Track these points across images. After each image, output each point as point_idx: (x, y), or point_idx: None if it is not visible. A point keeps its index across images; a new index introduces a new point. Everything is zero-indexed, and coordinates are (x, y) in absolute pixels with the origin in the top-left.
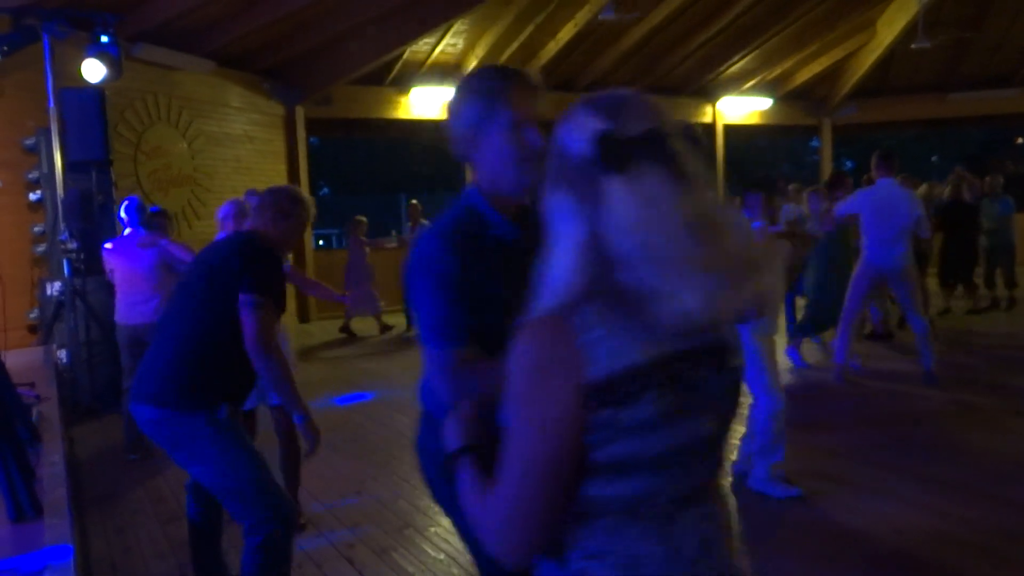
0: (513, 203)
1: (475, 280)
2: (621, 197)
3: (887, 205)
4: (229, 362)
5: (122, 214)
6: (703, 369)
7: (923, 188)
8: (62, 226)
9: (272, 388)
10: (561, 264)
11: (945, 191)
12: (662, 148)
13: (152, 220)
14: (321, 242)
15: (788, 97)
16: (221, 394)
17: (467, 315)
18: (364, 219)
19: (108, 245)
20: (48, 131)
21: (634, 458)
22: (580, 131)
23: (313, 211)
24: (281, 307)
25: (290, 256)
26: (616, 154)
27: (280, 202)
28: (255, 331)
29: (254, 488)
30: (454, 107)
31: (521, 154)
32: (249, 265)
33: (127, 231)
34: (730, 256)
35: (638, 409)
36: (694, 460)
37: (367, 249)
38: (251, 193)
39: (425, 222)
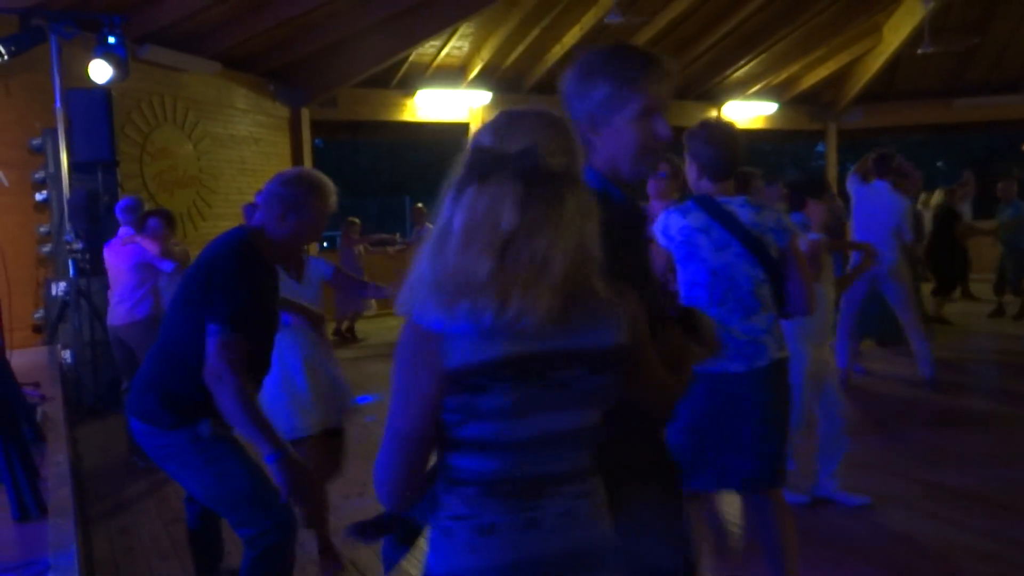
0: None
1: (622, 255)
2: (465, 204)
3: (877, 207)
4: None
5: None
6: (574, 369)
7: (936, 194)
8: (68, 226)
9: (230, 422)
10: (422, 261)
11: (939, 197)
12: (524, 169)
13: (146, 220)
14: (325, 243)
15: (794, 101)
16: (202, 410)
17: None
18: (357, 220)
19: (104, 245)
20: (54, 131)
21: (491, 439)
22: (474, 141)
23: (334, 199)
24: (261, 339)
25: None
26: (481, 167)
27: (292, 192)
28: (212, 361)
29: (248, 501)
30: (579, 84)
31: (646, 144)
32: (220, 287)
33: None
34: (532, 282)
35: (491, 398)
36: (562, 447)
37: (360, 250)
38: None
39: (431, 225)
